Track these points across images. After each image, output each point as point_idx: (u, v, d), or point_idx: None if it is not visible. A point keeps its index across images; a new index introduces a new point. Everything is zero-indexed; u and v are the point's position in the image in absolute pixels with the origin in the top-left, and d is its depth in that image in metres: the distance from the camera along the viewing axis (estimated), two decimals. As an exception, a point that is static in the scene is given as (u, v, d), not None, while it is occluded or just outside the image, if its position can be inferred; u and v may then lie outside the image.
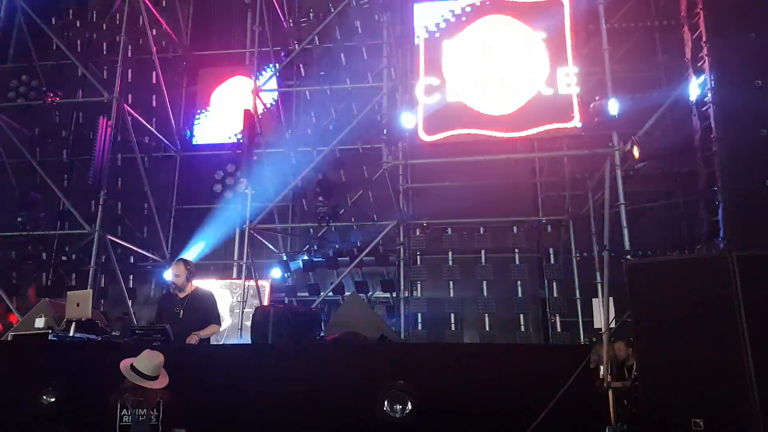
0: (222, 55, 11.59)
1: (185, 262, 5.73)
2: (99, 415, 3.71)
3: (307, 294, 9.41)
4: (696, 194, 8.40)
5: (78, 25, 11.19)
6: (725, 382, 3.87)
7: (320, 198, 9.44)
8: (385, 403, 4.30)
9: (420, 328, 8.89)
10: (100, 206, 8.98)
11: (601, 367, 6.66)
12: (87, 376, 4.15)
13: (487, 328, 8.70)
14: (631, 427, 6.23)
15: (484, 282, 8.88)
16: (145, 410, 3.78)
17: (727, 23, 7.69)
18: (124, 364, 3.90)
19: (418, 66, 8.00)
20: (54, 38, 10.16)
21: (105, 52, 11.03)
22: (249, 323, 8.06)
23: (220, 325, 5.73)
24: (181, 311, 5.52)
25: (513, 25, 8.05)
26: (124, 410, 3.69)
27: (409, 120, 7.54)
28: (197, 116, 11.51)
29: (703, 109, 7.91)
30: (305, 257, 9.55)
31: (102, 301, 10.11)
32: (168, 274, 5.73)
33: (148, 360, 3.94)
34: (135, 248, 10.19)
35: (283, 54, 10.32)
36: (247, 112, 9.06)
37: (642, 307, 4.36)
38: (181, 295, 5.62)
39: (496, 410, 4.36)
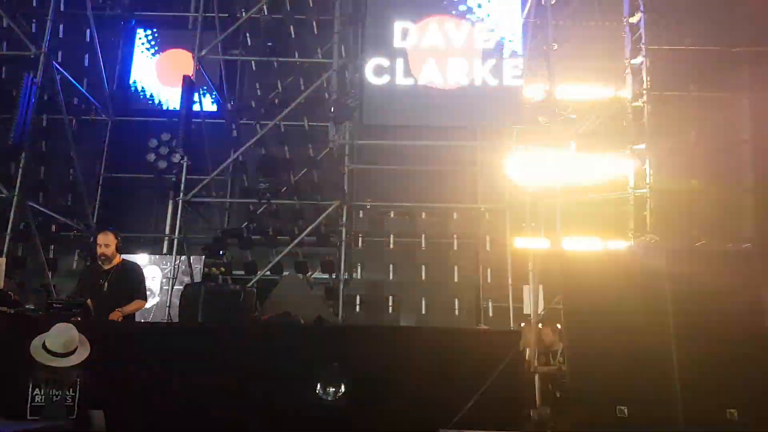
0: (164, 18, 10.95)
1: (114, 231, 5.44)
2: (8, 394, 3.44)
3: (243, 273, 9.17)
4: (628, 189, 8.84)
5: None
6: (650, 372, 4.07)
7: (262, 174, 9.17)
8: (318, 386, 4.26)
9: (358, 310, 8.90)
10: (20, 169, 8.34)
11: (528, 351, 6.90)
12: (-5, 352, 3.85)
13: (423, 312, 8.83)
14: (554, 410, 6.51)
15: (423, 266, 8.98)
16: (59, 390, 3.54)
17: (666, 29, 8.06)
18: (35, 345, 3.60)
19: (367, 44, 7.89)
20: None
21: (35, 4, 10.17)
22: (178, 301, 7.79)
23: (146, 300, 5.50)
24: (106, 284, 5.24)
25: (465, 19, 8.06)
26: (37, 390, 3.44)
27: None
28: (132, 80, 10.86)
29: (638, 107, 8.31)
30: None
31: (18, 271, 9.46)
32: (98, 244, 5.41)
33: (58, 336, 3.63)
34: (58, 216, 9.58)
35: (228, 21, 9.87)
36: (186, 78, 8.64)
37: (573, 295, 4.53)
38: (107, 267, 5.33)
39: (430, 393, 4.40)
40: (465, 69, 7.80)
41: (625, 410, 4.04)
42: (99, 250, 5.35)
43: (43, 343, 3.60)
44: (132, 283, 5.33)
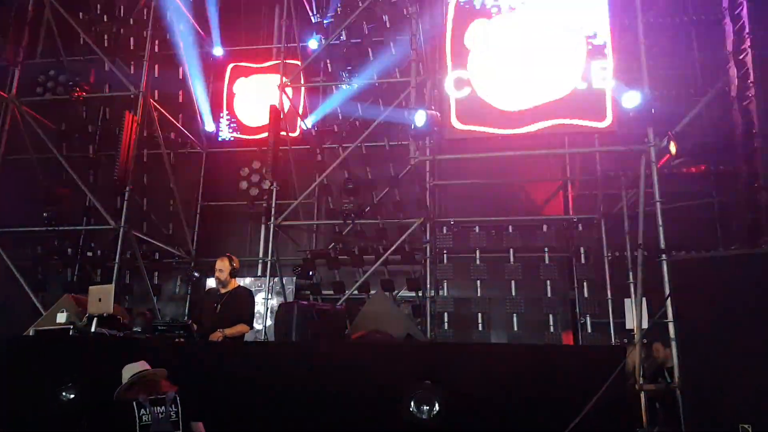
0: (249, 51, 11.54)
1: (230, 257, 5.72)
2: (119, 412, 3.64)
3: (332, 292, 9.31)
4: (732, 192, 8.09)
5: (105, 20, 11.23)
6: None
7: (346, 195, 9.32)
8: (412, 404, 4.19)
9: (446, 327, 8.71)
10: (125, 202, 8.99)
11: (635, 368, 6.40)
12: (107, 372, 4.11)
13: (515, 329, 8.48)
14: (663, 428, 5.98)
15: (513, 281, 8.65)
16: (163, 407, 3.70)
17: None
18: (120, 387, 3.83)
19: (446, 58, 7.78)
20: (81, 33, 10.20)
21: (132, 48, 11.08)
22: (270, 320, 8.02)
23: (250, 326, 5.66)
24: (219, 307, 5.52)
25: (548, 17, 7.76)
26: (143, 410, 3.61)
27: (421, 118, 7.11)
28: (223, 112, 11.48)
29: (745, 103, 7.61)
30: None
31: (127, 297, 10.17)
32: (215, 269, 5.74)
33: (133, 366, 3.88)
34: (160, 244, 10.22)
35: (309, 49, 10.24)
36: (272, 108, 8.99)
37: (685, 305, 4.16)
38: (222, 291, 5.63)
39: (527, 413, 4.21)
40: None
41: (749, 428, 3.64)
42: (215, 275, 5.65)
43: (126, 381, 3.81)
44: (240, 307, 5.54)
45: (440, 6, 7.99)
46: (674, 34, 9.75)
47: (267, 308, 8.57)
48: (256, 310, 6.13)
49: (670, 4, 9.73)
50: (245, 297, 5.67)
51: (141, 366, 3.86)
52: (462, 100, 7.55)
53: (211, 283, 8.37)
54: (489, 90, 7.55)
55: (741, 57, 7.68)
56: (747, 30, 7.53)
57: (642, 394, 6.06)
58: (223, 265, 5.63)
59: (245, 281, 9.26)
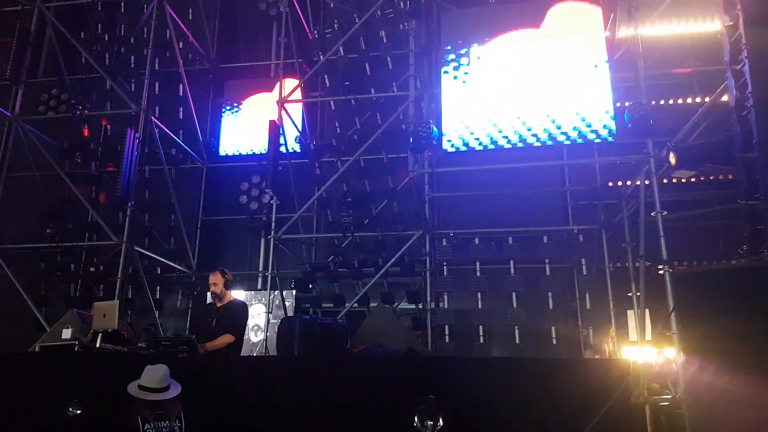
0: (247, 68, 11.65)
1: (222, 271, 5.74)
2: (124, 427, 3.65)
3: (332, 305, 9.30)
4: (733, 202, 8.10)
5: (106, 38, 11.36)
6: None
7: (345, 208, 9.34)
8: (416, 418, 4.15)
9: (447, 340, 8.68)
10: (127, 218, 9.02)
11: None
12: (113, 388, 4.09)
13: (517, 341, 8.45)
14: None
15: (514, 293, 8.63)
16: (167, 422, 3.72)
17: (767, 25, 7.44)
18: (132, 387, 3.83)
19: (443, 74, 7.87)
20: (83, 52, 10.31)
21: (133, 66, 11.18)
22: (272, 334, 7.97)
23: (235, 337, 5.65)
24: (214, 321, 5.55)
25: (545, 34, 7.88)
26: (147, 424, 3.63)
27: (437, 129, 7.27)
28: (222, 128, 11.54)
29: (743, 114, 7.64)
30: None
31: (129, 312, 10.15)
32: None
33: (153, 373, 3.88)
34: (162, 259, 10.22)
35: (307, 65, 10.32)
36: (272, 123, 9.04)
37: (688, 318, 4.15)
38: (218, 305, 5.66)
39: (532, 427, 4.17)
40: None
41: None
42: (210, 289, 5.68)
43: (138, 384, 3.80)
44: (231, 320, 5.57)
45: (436, 21, 8.07)
46: (670, 44, 9.83)
47: (267, 322, 8.56)
48: (255, 323, 6.14)
49: (667, 15, 9.80)
50: (238, 310, 5.71)
51: (161, 372, 3.85)
52: (459, 114, 7.59)
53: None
54: (487, 106, 7.62)
55: (738, 67, 7.71)
56: (743, 41, 7.58)
57: (647, 407, 6.02)
58: (216, 278, 5.68)
59: (245, 295, 9.28)
